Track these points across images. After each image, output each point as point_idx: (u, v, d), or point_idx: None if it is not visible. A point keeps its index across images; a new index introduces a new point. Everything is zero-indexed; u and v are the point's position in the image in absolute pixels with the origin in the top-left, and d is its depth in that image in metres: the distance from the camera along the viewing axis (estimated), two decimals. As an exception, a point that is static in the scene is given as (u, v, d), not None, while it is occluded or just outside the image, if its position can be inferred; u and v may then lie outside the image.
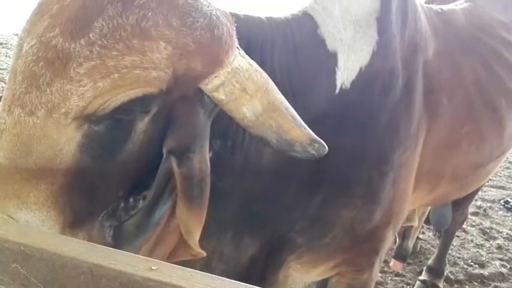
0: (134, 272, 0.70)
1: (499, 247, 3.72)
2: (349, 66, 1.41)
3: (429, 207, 3.05)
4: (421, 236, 3.70)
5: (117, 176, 1.02)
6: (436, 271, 3.21)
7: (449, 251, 3.41)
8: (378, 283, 3.08)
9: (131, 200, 1.08)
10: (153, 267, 0.71)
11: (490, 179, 3.45)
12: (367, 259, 1.70)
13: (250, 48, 1.15)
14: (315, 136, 1.06)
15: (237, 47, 1.04)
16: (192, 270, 0.72)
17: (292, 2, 1.43)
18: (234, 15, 1.13)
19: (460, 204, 3.01)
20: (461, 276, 3.35)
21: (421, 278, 3.24)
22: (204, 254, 1.08)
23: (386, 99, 1.49)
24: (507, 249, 3.69)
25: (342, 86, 1.40)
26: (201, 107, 1.04)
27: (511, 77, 2.07)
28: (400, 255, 3.18)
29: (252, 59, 1.07)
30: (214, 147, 1.21)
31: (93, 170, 0.97)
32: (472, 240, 3.79)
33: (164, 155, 1.02)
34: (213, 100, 1.03)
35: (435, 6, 2.02)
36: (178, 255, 1.12)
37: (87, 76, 0.90)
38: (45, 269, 0.73)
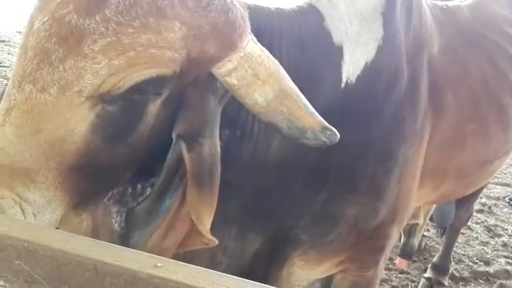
0: (139, 269, 0.69)
1: (504, 244, 3.71)
2: (355, 60, 1.40)
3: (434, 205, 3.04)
4: (426, 233, 3.68)
5: (126, 158, 1.01)
6: (441, 268, 3.21)
7: (454, 249, 3.41)
8: (382, 280, 3.07)
9: (139, 186, 1.08)
10: (158, 264, 0.70)
11: (495, 176, 3.43)
12: (372, 256, 1.69)
13: (259, 37, 1.14)
14: (327, 124, 1.05)
15: (250, 33, 1.04)
16: (198, 267, 0.72)
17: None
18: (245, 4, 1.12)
19: (465, 202, 2.99)
20: (466, 274, 3.34)
21: (426, 275, 3.23)
22: (216, 241, 1.07)
23: (392, 95, 1.48)
24: (512, 247, 3.68)
25: (347, 80, 1.39)
26: (212, 92, 1.03)
27: (516, 73, 2.06)
28: (406, 253, 3.17)
29: None
30: (223, 137, 1.21)
31: (103, 151, 0.96)
32: (477, 238, 3.78)
33: (174, 139, 1.02)
34: (225, 85, 1.02)
35: (440, 2, 2.01)
36: (190, 244, 1.11)
37: (102, 53, 0.89)
38: (49, 266, 0.72)
